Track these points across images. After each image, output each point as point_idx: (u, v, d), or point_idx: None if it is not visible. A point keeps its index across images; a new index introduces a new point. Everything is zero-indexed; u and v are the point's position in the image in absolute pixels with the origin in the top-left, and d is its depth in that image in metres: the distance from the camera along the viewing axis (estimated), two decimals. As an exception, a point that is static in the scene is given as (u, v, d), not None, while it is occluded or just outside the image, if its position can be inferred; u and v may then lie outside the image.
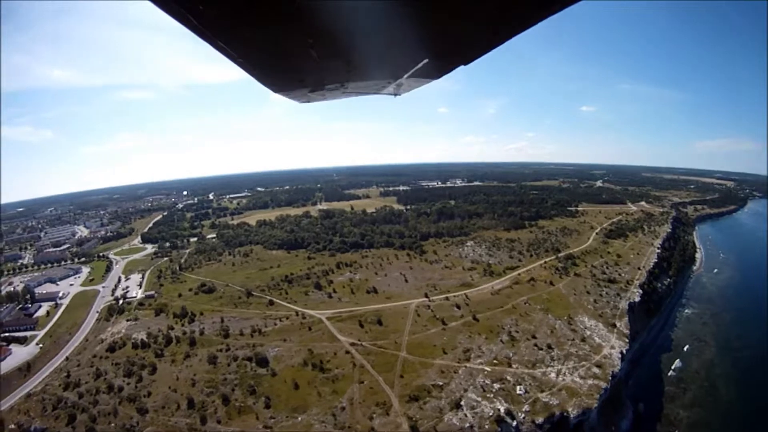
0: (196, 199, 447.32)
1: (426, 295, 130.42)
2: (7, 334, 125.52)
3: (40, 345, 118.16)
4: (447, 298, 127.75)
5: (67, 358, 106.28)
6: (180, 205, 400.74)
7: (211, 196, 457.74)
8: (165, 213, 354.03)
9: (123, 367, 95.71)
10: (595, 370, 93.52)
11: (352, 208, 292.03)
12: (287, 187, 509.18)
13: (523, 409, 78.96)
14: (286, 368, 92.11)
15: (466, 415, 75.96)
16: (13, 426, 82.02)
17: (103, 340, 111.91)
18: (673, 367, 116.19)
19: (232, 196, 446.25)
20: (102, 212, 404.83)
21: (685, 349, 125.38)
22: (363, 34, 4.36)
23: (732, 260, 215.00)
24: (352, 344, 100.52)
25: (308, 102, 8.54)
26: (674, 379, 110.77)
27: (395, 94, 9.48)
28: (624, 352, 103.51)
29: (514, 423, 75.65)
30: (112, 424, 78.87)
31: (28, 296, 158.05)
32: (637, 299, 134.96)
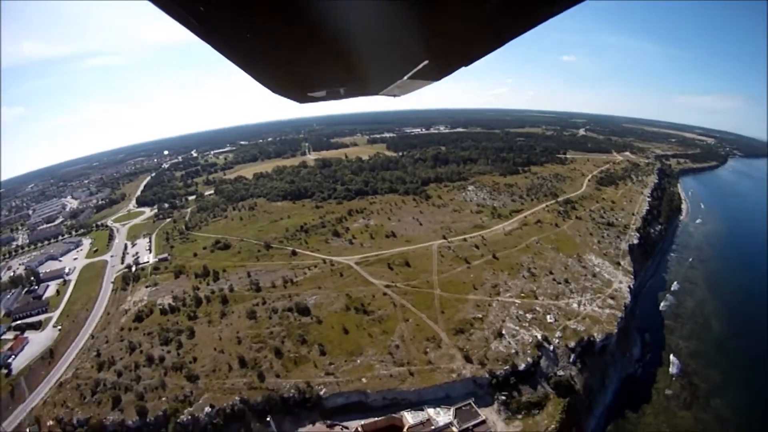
0: (180, 157, 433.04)
1: (444, 237, 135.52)
2: (19, 322, 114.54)
3: (58, 327, 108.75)
4: (465, 240, 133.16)
5: (92, 336, 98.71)
6: (165, 165, 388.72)
7: (194, 153, 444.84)
8: (153, 174, 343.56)
9: (157, 335, 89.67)
10: (610, 301, 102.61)
11: (347, 157, 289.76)
12: (270, 139, 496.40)
13: (556, 335, 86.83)
14: (330, 314, 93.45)
15: (509, 343, 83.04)
16: (51, 422, 72.08)
17: (127, 310, 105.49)
18: (664, 302, 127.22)
19: (216, 151, 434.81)
20: (86, 181, 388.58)
21: (673, 288, 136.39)
22: (363, 36, 4.52)
23: (715, 212, 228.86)
24: (387, 286, 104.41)
25: (307, 102, 8.38)
26: (672, 315, 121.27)
27: (395, 95, 9.53)
28: (631, 286, 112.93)
29: (551, 347, 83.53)
30: (163, 398, 73.43)
31: (33, 278, 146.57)
32: (635, 241, 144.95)
